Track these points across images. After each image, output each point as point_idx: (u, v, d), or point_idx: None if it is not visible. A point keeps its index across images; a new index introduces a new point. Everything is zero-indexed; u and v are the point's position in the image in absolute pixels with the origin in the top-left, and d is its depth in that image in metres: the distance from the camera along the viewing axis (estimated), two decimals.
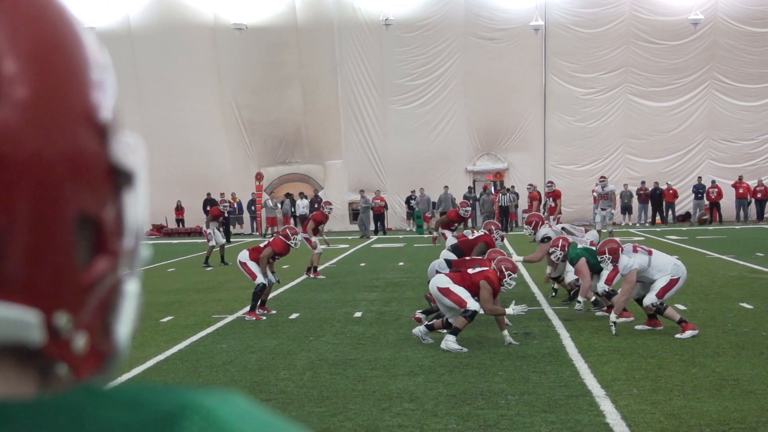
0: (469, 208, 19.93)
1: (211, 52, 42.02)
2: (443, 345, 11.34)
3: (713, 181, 40.08)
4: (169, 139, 42.10)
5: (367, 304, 15.93)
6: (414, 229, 40.00)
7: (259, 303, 14.74)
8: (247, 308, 14.79)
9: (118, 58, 41.15)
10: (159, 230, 42.73)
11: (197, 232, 40.98)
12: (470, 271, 11.70)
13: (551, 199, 30.81)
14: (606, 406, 8.40)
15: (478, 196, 39.04)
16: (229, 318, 14.69)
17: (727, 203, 39.93)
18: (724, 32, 41.26)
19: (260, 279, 14.66)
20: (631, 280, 12.28)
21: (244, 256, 15.04)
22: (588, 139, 42.39)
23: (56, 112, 0.69)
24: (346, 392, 9.22)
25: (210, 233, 24.51)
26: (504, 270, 11.65)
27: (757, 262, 21.38)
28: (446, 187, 39.81)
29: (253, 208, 41.75)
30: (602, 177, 36.00)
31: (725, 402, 8.45)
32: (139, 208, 0.78)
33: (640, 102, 42.16)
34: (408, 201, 41.28)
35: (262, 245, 15.31)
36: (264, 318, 14.44)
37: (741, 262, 21.36)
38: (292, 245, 15.36)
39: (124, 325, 0.77)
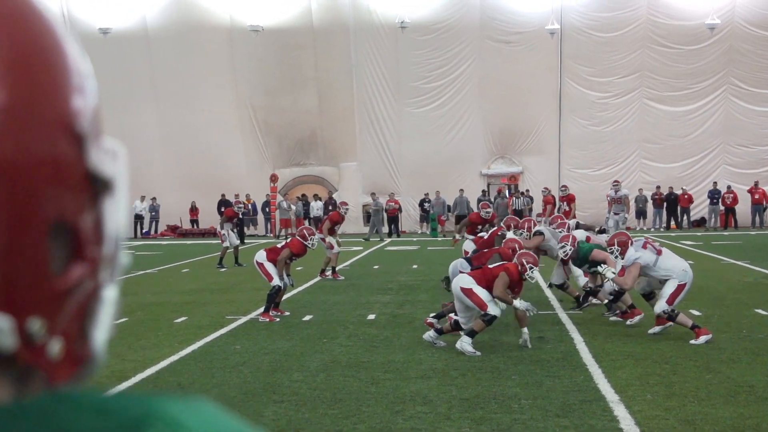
0: (490, 210, 19.47)
1: (227, 53, 42.11)
2: (458, 345, 11.31)
3: (729, 187, 39.90)
4: (185, 140, 42.24)
5: (380, 306, 15.93)
6: (428, 232, 39.95)
7: (275, 305, 14.79)
8: (261, 309, 14.79)
9: (134, 60, 41.43)
10: (173, 231, 42.85)
11: (212, 233, 41.08)
12: (490, 265, 11.72)
13: (565, 203, 30.78)
14: (620, 411, 8.37)
15: (492, 199, 39.00)
16: (243, 319, 14.71)
17: (743, 209, 39.76)
18: (741, 37, 41.08)
19: (276, 281, 14.65)
20: (632, 272, 12.18)
21: (261, 256, 15.02)
22: (603, 143, 42.27)
23: (33, 119, 0.69)
24: (359, 395, 9.22)
25: (224, 234, 24.57)
26: (525, 263, 11.58)
27: None
28: (461, 190, 39.81)
29: (267, 209, 41.81)
30: (615, 181, 35.92)
31: (740, 408, 8.41)
32: (119, 216, 0.78)
33: (655, 106, 42.01)
34: (421, 204, 41.23)
35: (279, 246, 15.27)
36: (277, 320, 14.44)
37: (756, 268, 21.26)
38: (310, 246, 15.30)
39: (101, 331, 0.77)
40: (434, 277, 20.53)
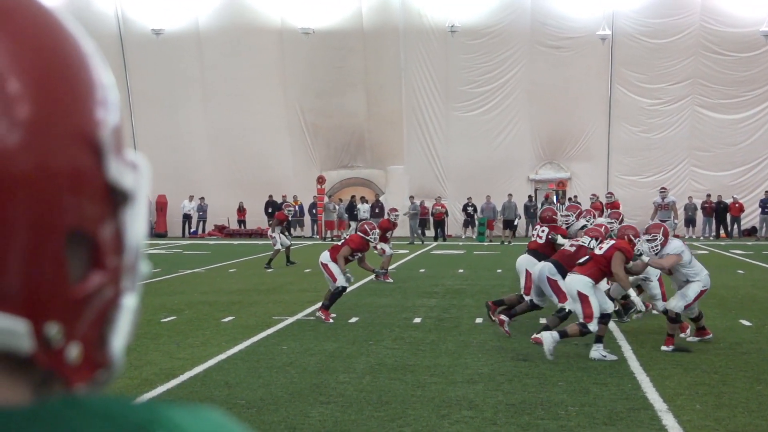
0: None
1: (277, 55, 42.36)
2: (592, 354, 11.11)
3: None
4: (233, 141, 42.55)
5: (426, 310, 15.92)
6: (473, 237, 39.86)
7: (324, 305, 14.76)
8: (313, 308, 14.83)
9: (185, 60, 41.84)
10: (221, 231, 43.14)
11: (258, 234, 41.37)
12: (598, 252, 11.58)
13: (610, 210, 30.42)
14: (668, 420, 8.29)
15: (539, 205, 38.79)
16: (290, 320, 14.77)
17: None
18: None
19: (341, 282, 14.57)
20: (672, 260, 11.93)
21: (325, 257, 14.94)
22: (653, 150, 41.93)
23: (55, 132, 0.71)
24: (405, 397, 9.22)
25: (275, 237, 24.86)
26: (633, 237, 11.61)
27: None
28: (510, 195, 39.64)
29: (314, 211, 41.97)
30: (662, 188, 35.62)
31: None
32: (138, 226, 0.80)
33: (707, 114, 41.58)
34: (465, 208, 41.11)
35: (340, 243, 15.23)
36: (331, 320, 14.42)
37: None
38: (371, 240, 15.17)
39: (120, 337, 0.79)
40: (480, 282, 20.52)
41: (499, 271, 22.90)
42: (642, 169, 42.22)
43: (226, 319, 14.81)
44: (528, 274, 13.92)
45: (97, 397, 0.74)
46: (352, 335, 13.21)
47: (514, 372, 10.52)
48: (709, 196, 39.73)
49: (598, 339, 11.24)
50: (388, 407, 8.80)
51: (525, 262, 14.23)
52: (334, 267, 14.69)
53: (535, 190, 42.64)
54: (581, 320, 11.27)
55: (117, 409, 0.70)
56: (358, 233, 15.25)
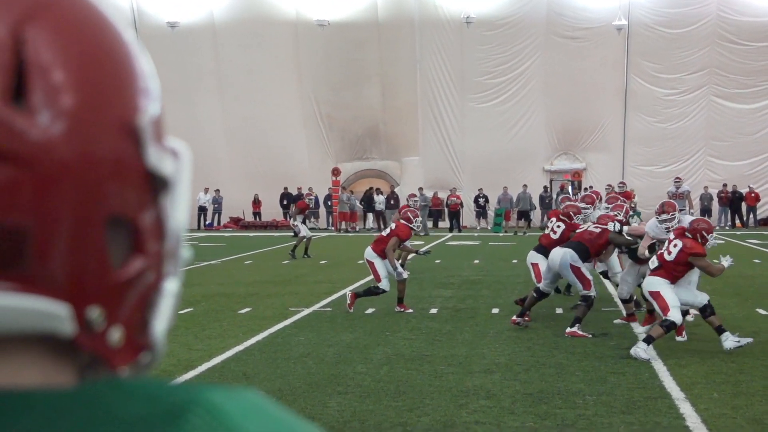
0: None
1: (292, 47, 42.39)
2: (633, 352, 10.69)
3: None
4: (249, 133, 42.61)
5: (442, 300, 15.94)
6: (488, 228, 39.82)
7: (398, 300, 14.58)
8: (323, 301, 14.84)
9: (201, 53, 41.89)
10: (236, 223, 43.24)
11: (274, 226, 41.47)
12: (668, 257, 11.16)
13: (622, 199, 30.07)
14: (686, 409, 8.29)
15: (554, 196, 38.71)
16: (306, 311, 14.81)
17: None
18: None
19: (384, 284, 14.28)
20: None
21: (370, 253, 14.59)
22: (669, 140, 41.78)
23: (98, 121, 0.72)
24: (422, 387, 9.24)
25: (297, 225, 25.37)
26: (705, 233, 11.16)
27: None
28: (525, 186, 39.58)
29: (329, 203, 42.00)
30: (677, 178, 35.50)
31: None
32: (179, 212, 0.81)
33: (723, 104, 41.40)
34: (476, 200, 41.03)
35: (385, 234, 14.90)
36: (351, 310, 14.35)
37: None
38: (415, 228, 14.93)
39: (162, 321, 0.81)
40: (496, 273, 20.53)
41: (514, 261, 22.87)
42: (658, 159, 42.08)
43: (243, 311, 14.87)
44: (536, 266, 14.01)
45: (137, 378, 0.76)
46: (369, 326, 13.25)
47: (531, 362, 10.54)
48: (725, 185, 39.57)
49: (648, 339, 10.78)
50: (405, 397, 8.83)
51: (531, 257, 14.31)
52: (380, 265, 14.36)
53: (551, 180, 42.56)
54: (663, 320, 10.86)
55: (157, 390, 0.71)
56: (402, 221, 14.90)
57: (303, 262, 23.90)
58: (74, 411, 0.68)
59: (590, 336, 11.85)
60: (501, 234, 37.14)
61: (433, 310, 14.74)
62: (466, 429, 7.72)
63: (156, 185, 0.79)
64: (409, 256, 19.38)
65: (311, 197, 28.45)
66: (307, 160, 43.29)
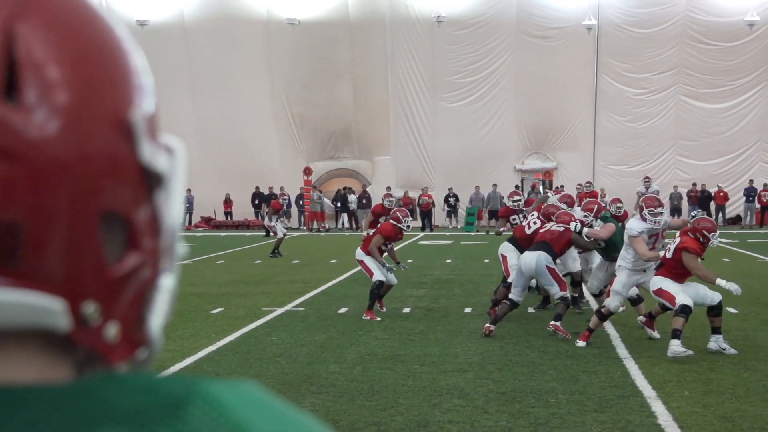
0: (520, 198, 16.93)
1: (263, 46, 42.28)
2: (669, 353, 10.60)
3: (765, 184, 39.56)
4: (220, 133, 42.44)
5: (415, 300, 15.95)
6: (458, 227, 39.97)
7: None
8: (295, 302, 14.82)
9: (171, 52, 41.64)
10: (207, 222, 43.07)
11: (245, 225, 41.36)
12: (668, 255, 11.08)
13: (587, 199, 29.96)
14: (657, 407, 8.36)
15: (526, 195, 38.83)
16: (279, 311, 14.78)
17: None
18: None
19: (377, 275, 14.01)
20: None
21: (359, 253, 14.42)
22: (639, 139, 42.07)
23: (91, 117, 0.73)
24: (396, 387, 9.26)
25: (274, 226, 25.76)
26: (706, 233, 10.98)
27: None
28: (495, 185, 39.74)
29: (301, 202, 41.93)
30: (646, 177, 35.72)
31: None
32: (174, 208, 0.82)
33: (692, 103, 41.74)
34: (446, 199, 41.14)
35: (370, 234, 14.64)
36: (378, 319, 13.78)
37: None
38: (404, 228, 14.37)
39: (158, 317, 0.81)
40: (468, 272, 20.57)
41: (486, 260, 22.94)
42: (628, 158, 42.35)
43: (216, 311, 14.81)
44: (505, 258, 14.03)
45: (134, 373, 0.77)
46: (342, 326, 13.24)
47: (504, 361, 10.58)
48: (694, 185, 39.88)
49: (675, 333, 10.67)
50: (379, 397, 8.84)
51: (503, 248, 14.32)
52: (369, 261, 14.17)
53: (522, 180, 42.68)
54: (675, 310, 10.78)
55: (155, 383, 0.72)
56: (390, 221, 14.53)
57: (275, 262, 23.86)
58: (73, 405, 0.68)
59: (569, 337, 11.84)
60: (473, 233, 37.23)
61: (406, 310, 14.76)
62: (440, 428, 7.73)
63: (151, 181, 0.79)
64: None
65: (285, 197, 28.81)
66: (279, 159, 43.19)
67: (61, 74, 0.70)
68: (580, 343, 11.47)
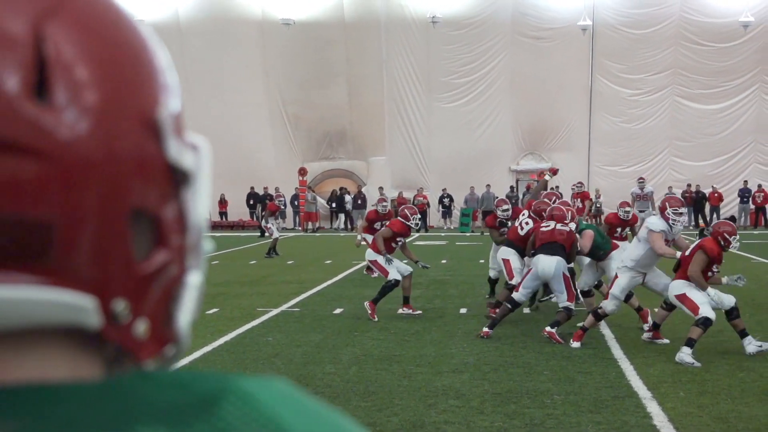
0: (508, 208, 15.63)
1: (258, 47, 42.27)
2: (678, 358, 10.50)
3: (759, 185, 39.65)
4: (215, 133, 42.25)
5: (411, 300, 15.92)
6: (451, 227, 40.00)
7: (403, 300, 14.20)
8: (290, 303, 14.81)
9: (166, 53, 41.45)
10: None
11: (240, 226, 41.35)
12: (686, 254, 10.98)
13: (579, 200, 29.92)
14: (653, 408, 8.38)
15: (521, 195, 38.88)
16: (274, 311, 14.78)
17: None
18: None
19: (393, 274, 13.93)
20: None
21: (369, 254, 14.34)
22: (633, 140, 42.13)
23: (120, 116, 0.74)
24: (392, 388, 9.27)
25: (270, 227, 25.96)
26: (727, 236, 10.82)
27: None
28: (488, 185, 39.76)
29: (296, 202, 41.93)
30: (640, 178, 35.74)
31: None
32: (200, 206, 0.83)
33: (687, 104, 41.82)
34: (441, 200, 41.16)
35: (365, 238, 14.68)
36: (376, 319, 13.72)
37: None
38: (413, 226, 14.45)
39: (186, 314, 0.82)
40: (464, 273, 20.58)
41: (481, 261, 22.90)
42: (622, 159, 42.41)
43: (211, 311, 14.81)
44: (507, 262, 13.97)
45: (165, 369, 0.78)
46: (338, 326, 13.25)
47: (500, 361, 10.59)
48: (689, 185, 39.92)
49: (690, 342, 10.55)
50: (375, 397, 8.85)
51: (503, 253, 14.23)
52: (381, 260, 14.06)
53: (517, 180, 42.73)
54: (697, 319, 10.62)
55: (188, 379, 0.73)
56: (399, 219, 14.50)
57: (270, 262, 23.86)
58: (109, 401, 0.69)
59: (562, 342, 11.84)
60: (468, 234, 37.25)
61: (402, 310, 14.76)
62: (436, 429, 7.74)
63: (177, 179, 0.80)
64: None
65: (281, 199, 29.18)
66: (274, 159, 43.16)
67: (90, 74, 0.72)
68: (575, 344, 11.50)
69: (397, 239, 14.36)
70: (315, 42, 41.58)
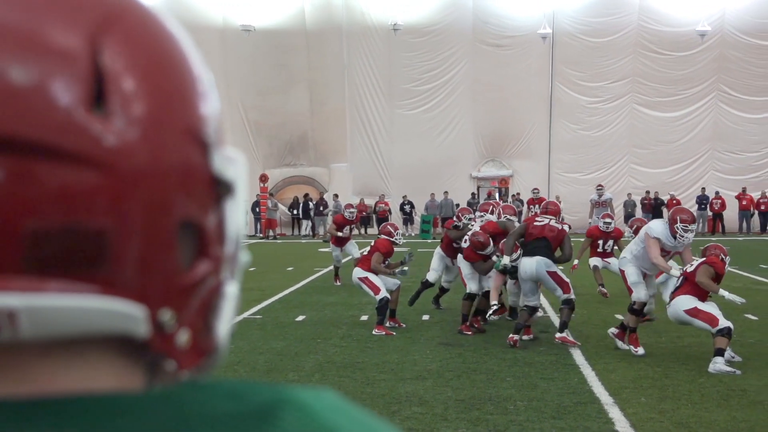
0: (471, 216, 15.39)
1: (219, 53, 42.03)
2: (711, 368, 10.34)
3: (717, 192, 40.14)
4: None
5: (373, 307, 15.90)
6: (413, 234, 40.06)
7: (387, 315, 13.80)
8: (252, 310, 14.76)
9: None
10: None
11: None
12: (689, 270, 10.88)
13: (537, 206, 29.88)
14: (615, 413, 8.44)
15: (482, 202, 38.97)
16: (236, 319, 14.67)
17: (731, 215, 40.03)
18: (731, 44, 41.38)
19: (383, 293, 13.62)
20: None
21: (359, 272, 13.94)
22: (593, 147, 42.46)
23: (167, 127, 0.75)
24: (354, 395, 9.25)
25: None
26: (723, 256, 10.88)
27: (761, 274, 21.45)
28: (446, 192, 39.93)
29: (257, 209, 41.79)
30: (599, 185, 36.04)
31: (733, 412, 8.50)
32: (238, 217, 0.84)
33: (645, 112, 42.25)
34: (402, 207, 41.20)
35: (366, 254, 14.22)
36: (394, 333, 13.31)
37: (745, 274, 21.43)
38: (397, 242, 14.43)
39: (224, 324, 0.83)
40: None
41: None
42: (582, 166, 42.73)
43: None
44: (460, 269, 14.00)
45: (216, 380, 0.78)
46: (300, 333, 13.22)
47: (462, 368, 10.62)
48: (648, 192, 40.33)
49: (719, 352, 10.43)
50: None
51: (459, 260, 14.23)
52: (373, 277, 13.78)
53: (478, 187, 42.91)
54: (714, 332, 10.46)
55: (241, 390, 0.74)
56: (383, 237, 14.39)
57: None
58: (165, 411, 0.70)
59: (579, 344, 11.89)
60: (429, 240, 37.28)
61: (364, 317, 14.77)
62: None
63: (219, 190, 0.81)
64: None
65: None
66: None
67: (143, 86, 0.73)
68: (638, 351, 11.36)
69: (387, 259, 14.17)
70: (276, 49, 41.50)
